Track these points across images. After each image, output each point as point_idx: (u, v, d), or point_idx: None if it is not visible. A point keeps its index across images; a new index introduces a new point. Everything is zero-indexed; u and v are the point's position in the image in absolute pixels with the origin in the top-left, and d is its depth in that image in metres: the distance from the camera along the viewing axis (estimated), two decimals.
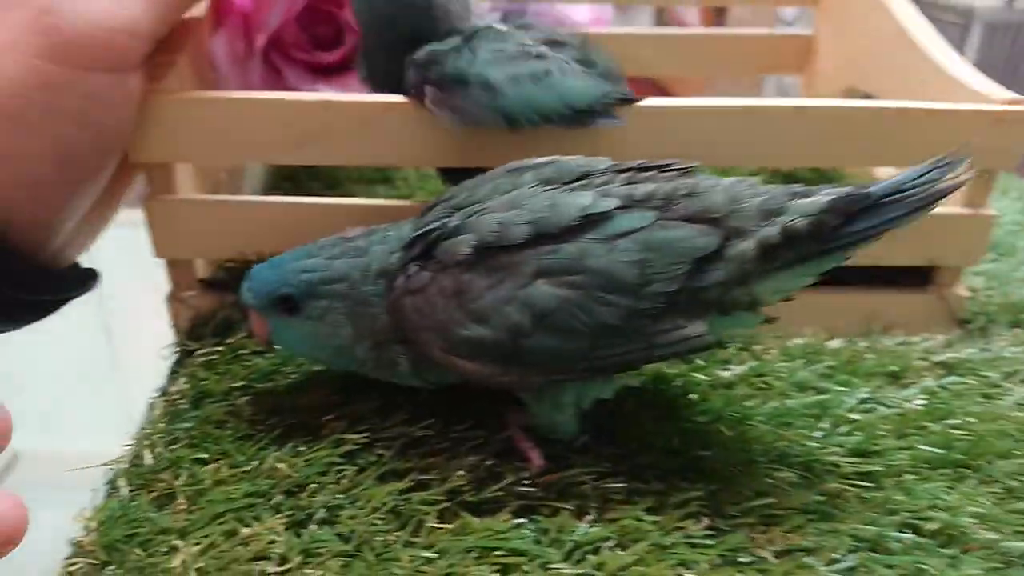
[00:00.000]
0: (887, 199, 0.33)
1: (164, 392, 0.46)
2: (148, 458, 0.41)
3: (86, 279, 0.47)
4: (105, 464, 0.40)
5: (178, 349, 0.49)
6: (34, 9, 0.37)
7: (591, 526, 0.36)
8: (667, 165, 0.38)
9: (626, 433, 0.41)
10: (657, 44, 0.68)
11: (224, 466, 0.40)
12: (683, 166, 0.37)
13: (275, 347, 0.43)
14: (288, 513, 0.37)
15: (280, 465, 0.39)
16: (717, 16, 0.88)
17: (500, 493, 0.37)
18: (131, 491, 0.39)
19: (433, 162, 0.48)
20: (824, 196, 0.34)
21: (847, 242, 0.33)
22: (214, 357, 0.47)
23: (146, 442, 0.42)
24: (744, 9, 0.78)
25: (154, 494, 0.38)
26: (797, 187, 0.35)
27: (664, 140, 0.44)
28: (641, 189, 0.36)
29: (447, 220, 0.37)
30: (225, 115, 0.44)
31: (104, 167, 0.42)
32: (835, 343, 0.48)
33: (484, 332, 0.35)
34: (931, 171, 0.33)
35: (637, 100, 0.44)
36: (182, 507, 0.37)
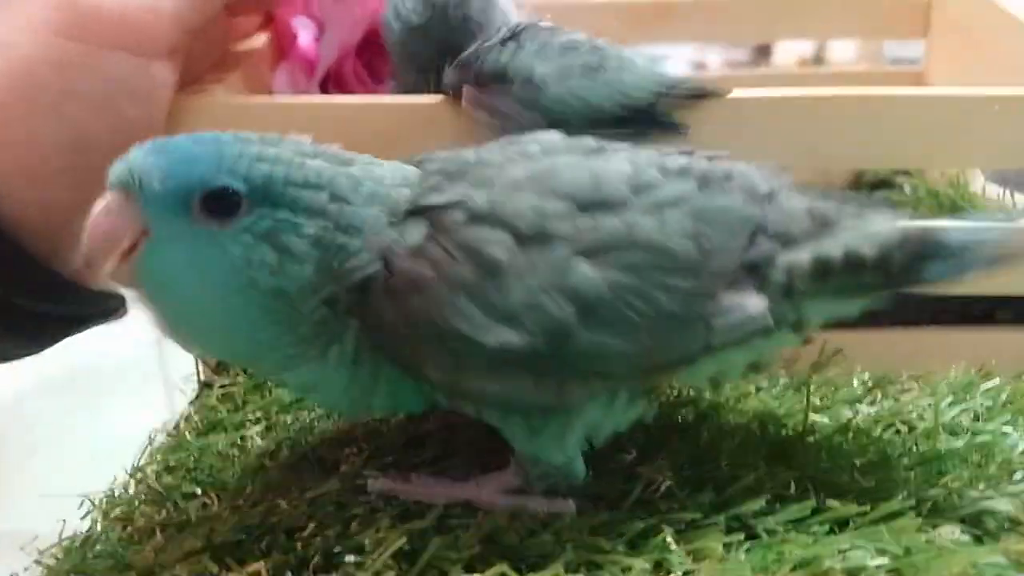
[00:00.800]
0: (964, 247, 0.29)
1: (175, 424, 0.39)
2: (132, 489, 0.34)
3: (108, 301, 0.42)
4: (82, 496, 0.34)
5: (197, 381, 0.43)
6: None
7: None
8: (690, 151, 0.32)
9: (722, 477, 0.31)
10: None
11: (216, 500, 0.32)
12: (710, 153, 0.32)
13: (132, 284, 0.27)
14: (280, 557, 0.29)
15: (280, 501, 0.32)
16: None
17: (550, 539, 0.28)
18: (104, 524, 0.32)
19: None
20: (895, 226, 0.29)
21: (915, 285, 0.29)
22: (233, 388, 0.41)
23: (138, 474, 0.35)
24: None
25: (130, 528, 0.32)
26: (839, 194, 0.31)
27: (744, 138, 0.36)
28: (672, 162, 0.30)
29: (465, 196, 0.28)
30: (265, 120, 0.40)
31: None
32: (990, 382, 0.37)
33: (513, 336, 0.26)
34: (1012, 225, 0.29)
35: (717, 93, 0.38)
36: (156, 544, 0.30)
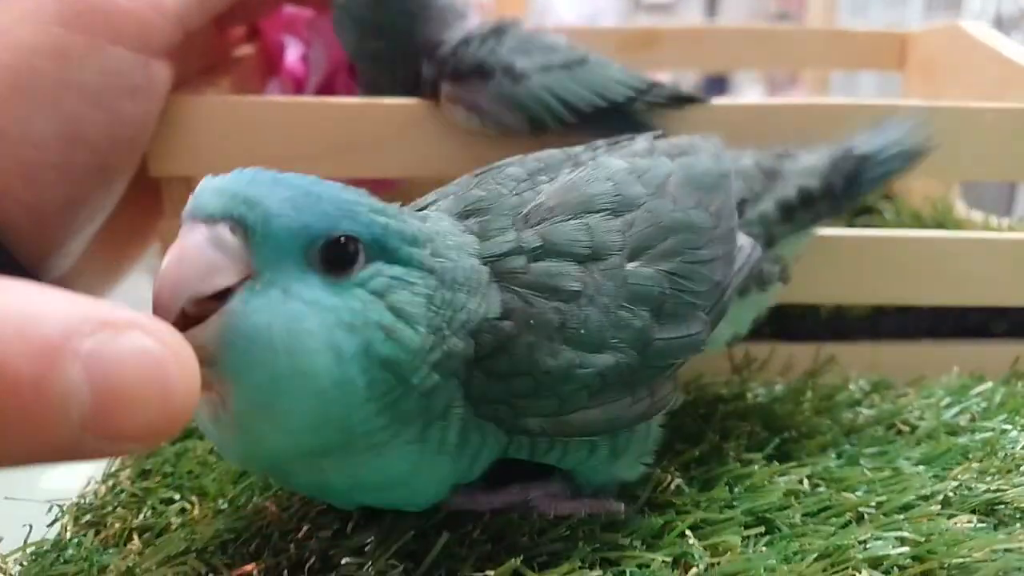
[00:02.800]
0: (882, 155, 0.34)
1: None
2: (104, 494, 0.32)
3: None
4: (49, 501, 0.31)
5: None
6: None
7: None
8: (631, 137, 0.33)
9: (732, 475, 0.31)
10: None
11: (197, 505, 0.30)
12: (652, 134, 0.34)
13: (210, 343, 0.21)
14: (272, 559, 0.27)
15: (268, 504, 0.30)
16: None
17: (563, 536, 0.27)
18: (75, 529, 0.29)
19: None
20: (821, 157, 0.34)
21: (854, 199, 0.34)
22: None
23: (109, 480, 0.33)
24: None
25: (103, 534, 0.29)
26: (776, 149, 0.35)
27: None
28: (639, 147, 0.31)
29: (515, 238, 0.26)
30: (256, 120, 0.40)
31: (116, 166, 0.37)
32: (983, 385, 0.37)
33: (609, 359, 0.25)
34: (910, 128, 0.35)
35: (696, 99, 0.38)
36: (134, 548, 0.28)
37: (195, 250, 0.21)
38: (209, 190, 0.22)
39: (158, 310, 0.21)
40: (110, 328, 0.17)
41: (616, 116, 0.38)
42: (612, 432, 0.27)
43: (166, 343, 0.18)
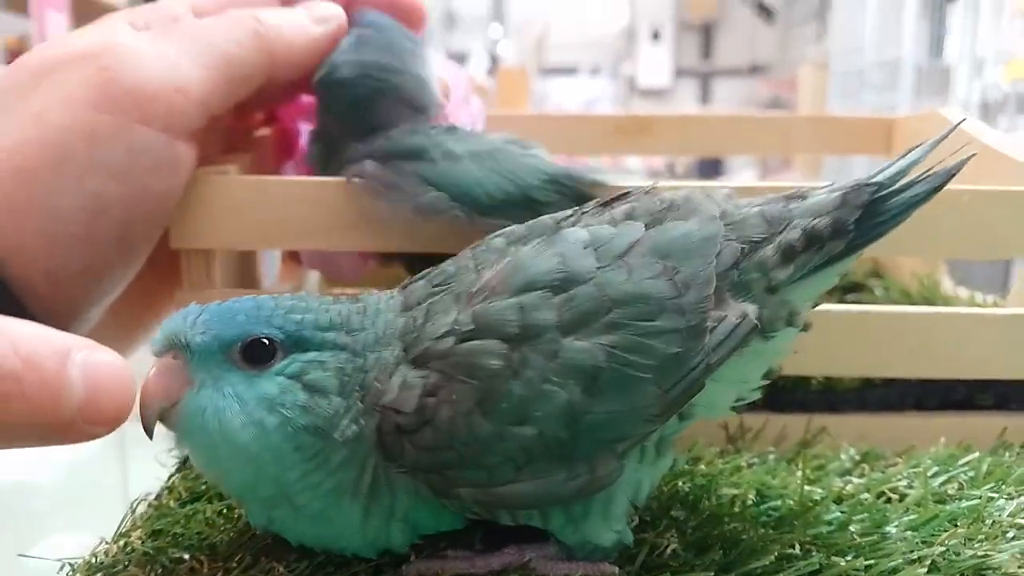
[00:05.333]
0: (896, 186, 0.31)
1: (157, 494, 0.38)
2: (115, 553, 0.32)
3: None
4: (61, 559, 0.32)
5: (179, 454, 0.42)
6: (94, 66, 0.37)
7: None
8: (626, 193, 0.33)
9: (727, 539, 0.31)
10: None
11: (207, 564, 0.31)
12: (643, 188, 0.34)
13: (164, 424, 0.29)
14: None
15: (277, 564, 0.31)
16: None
17: None
18: None
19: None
20: (832, 192, 0.31)
21: (870, 237, 0.31)
22: None
23: (121, 540, 0.34)
24: None
25: None
26: (785, 191, 0.32)
27: None
28: (618, 211, 0.32)
29: (451, 321, 0.28)
30: (273, 198, 0.42)
31: (137, 239, 0.39)
32: (971, 455, 0.38)
33: (529, 431, 0.27)
34: (926, 147, 0.32)
35: (598, 183, 0.39)
36: None
37: (152, 378, 0.29)
38: (158, 333, 0.29)
39: (144, 418, 0.28)
40: (90, 348, 0.27)
41: (526, 201, 0.39)
42: (550, 506, 0.29)
43: (122, 360, 0.27)
